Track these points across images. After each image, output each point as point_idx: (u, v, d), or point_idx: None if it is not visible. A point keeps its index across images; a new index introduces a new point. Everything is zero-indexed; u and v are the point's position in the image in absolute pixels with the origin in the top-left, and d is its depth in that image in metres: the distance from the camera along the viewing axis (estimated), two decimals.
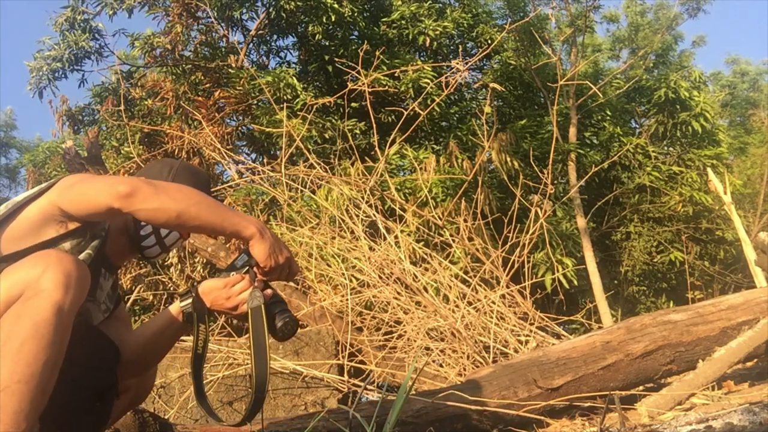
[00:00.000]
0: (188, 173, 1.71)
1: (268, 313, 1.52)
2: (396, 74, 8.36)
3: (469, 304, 3.60)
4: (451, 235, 4.30)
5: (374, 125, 4.82)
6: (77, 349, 1.26)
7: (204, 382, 1.71)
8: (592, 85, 6.12)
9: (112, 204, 1.36)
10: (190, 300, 1.57)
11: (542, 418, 2.20)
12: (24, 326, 1.16)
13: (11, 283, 1.21)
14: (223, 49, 9.30)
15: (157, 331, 1.62)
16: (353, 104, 6.71)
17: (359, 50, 5.02)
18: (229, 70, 8.68)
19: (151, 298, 5.61)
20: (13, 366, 1.13)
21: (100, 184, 1.39)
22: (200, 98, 8.06)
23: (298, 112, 7.11)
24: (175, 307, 1.60)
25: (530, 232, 4.12)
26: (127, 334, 1.65)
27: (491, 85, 6.87)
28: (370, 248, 3.92)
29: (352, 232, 4.07)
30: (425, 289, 3.72)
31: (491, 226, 4.75)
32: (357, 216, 4.11)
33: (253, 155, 9.21)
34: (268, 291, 1.56)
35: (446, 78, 4.99)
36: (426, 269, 3.91)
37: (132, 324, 1.77)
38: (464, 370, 3.20)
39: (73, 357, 1.25)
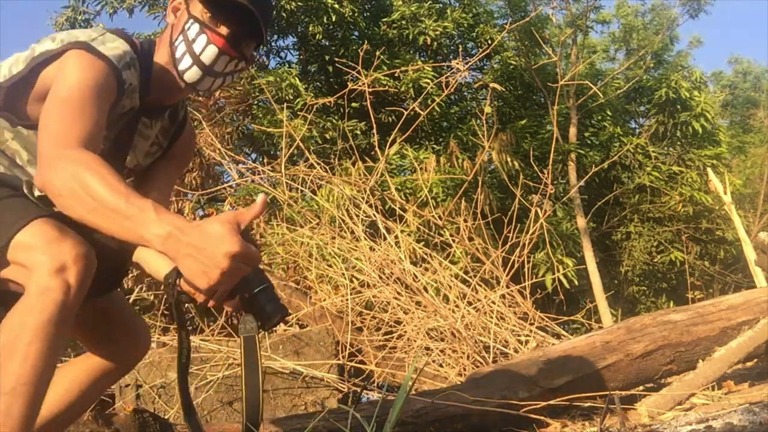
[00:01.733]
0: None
1: (256, 302, 1.29)
2: (396, 74, 8.37)
3: (469, 304, 3.60)
4: (451, 235, 4.30)
5: (374, 125, 4.82)
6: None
7: (192, 394, 1.64)
8: (592, 85, 6.12)
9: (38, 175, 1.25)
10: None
11: (542, 418, 2.20)
12: (30, 326, 1.13)
13: (25, 257, 1.19)
14: None
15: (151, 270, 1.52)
16: (353, 104, 6.71)
17: (359, 50, 5.02)
18: None
19: (152, 298, 5.61)
20: (19, 368, 1.11)
21: (50, 140, 1.23)
22: (200, 98, 8.07)
23: (299, 112, 7.11)
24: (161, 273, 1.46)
25: (530, 232, 4.12)
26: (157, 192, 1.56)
27: (491, 85, 6.88)
28: (371, 248, 3.92)
29: (353, 232, 4.07)
30: (425, 289, 3.72)
31: (491, 226, 4.75)
32: (357, 216, 4.11)
33: (254, 155, 9.22)
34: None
35: (446, 78, 4.99)
36: (426, 269, 3.92)
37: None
38: (464, 370, 3.20)
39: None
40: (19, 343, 1.12)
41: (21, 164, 1.42)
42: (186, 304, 1.34)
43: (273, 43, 10.47)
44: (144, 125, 1.51)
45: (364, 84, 4.64)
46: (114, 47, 1.36)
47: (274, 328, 1.34)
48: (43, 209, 1.28)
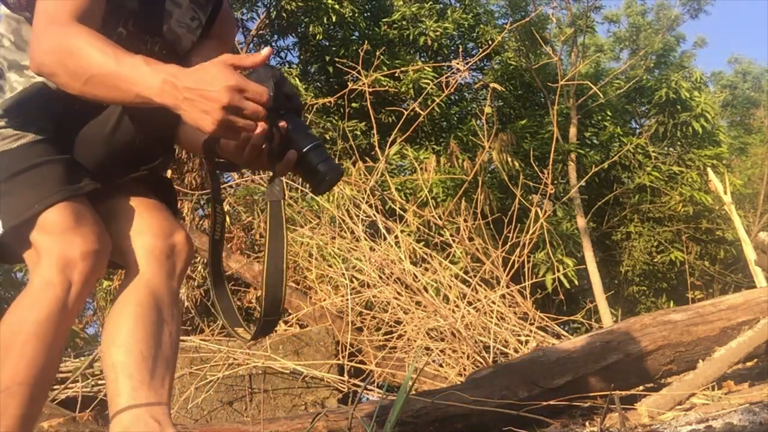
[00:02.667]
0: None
1: (307, 163, 1.16)
2: (396, 74, 8.36)
3: (469, 304, 3.60)
4: (451, 235, 4.30)
5: (375, 125, 4.82)
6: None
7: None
8: (592, 85, 6.12)
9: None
10: None
11: (542, 418, 2.20)
12: (27, 322, 1.12)
13: (39, 240, 1.17)
14: None
15: (190, 141, 1.41)
16: (354, 104, 6.71)
17: (360, 50, 5.02)
18: None
19: None
20: (15, 366, 1.09)
21: (41, 19, 1.18)
22: None
23: None
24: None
25: (530, 232, 4.12)
26: None
27: (492, 85, 6.88)
28: (371, 248, 3.92)
29: (353, 232, 4.07)
30: (425, 289, 3.72)
31: (491, 226, 4.75)
32: (357, 216, 4.11)
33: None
34: (283, 124, 1.14)
35: (446, 78, 4.99)
36: (426, 269, 3.91)
37: None
38: (464, 370, 3.20)
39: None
40: (16, 341, 1.11)
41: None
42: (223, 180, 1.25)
43: (273, 43, 10.48)
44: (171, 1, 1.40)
45: (364, 84, 4.64)
46: None
47: (326, 188, 1.20)
48: (73, 187, 1.23)
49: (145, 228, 1.35)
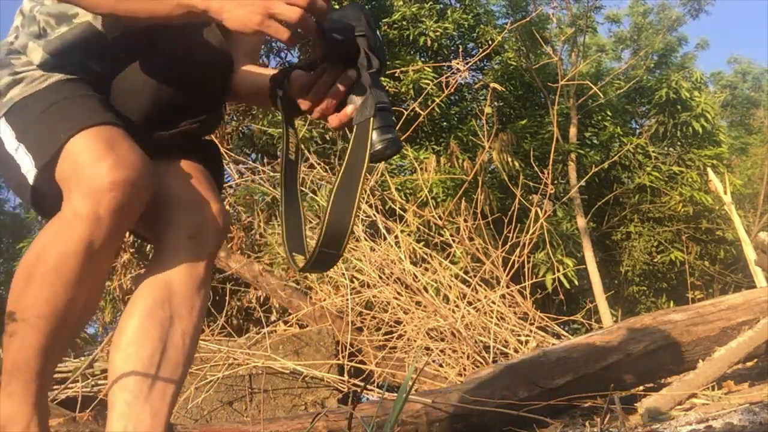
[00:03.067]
0: None
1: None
2: (396, 75, 8.36)
3: (469, 304, 3.60)
4: (451, 235, 4.30)
5: None
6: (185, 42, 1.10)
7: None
8: (592, 85, 6.13)
9: None
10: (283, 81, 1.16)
11: (542, 418, 2.20)
12: (52, 254, 1.01)
13: (70, 168, 1.05)
14: None
15: (253, 84, 1.31)
16: None
17: None
18: None
19: None
20: (35, 297, 1.01)
21: None
22: None
23: None
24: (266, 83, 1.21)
25: (530, 232, 4.12)
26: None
27: (492, 85, 6.88)
28: (371, 248, 3.92)
29: (353, 232, 4.06)
30: (425, 289, 3.72)
31: (491, 226, 4.75)
32: (357, 216, 4.10)
33: (254, 155, 9.21)
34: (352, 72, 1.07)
35: (446, 78, 4.99)
36: (426, 269, 3.91)
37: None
38: (464, 370, 3.20)
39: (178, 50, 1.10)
40: (37, 270, 1.02)
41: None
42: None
43: (273, 43, 10.47)
44: None
45: None
46: None
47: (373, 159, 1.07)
48: (108, 116, 1.12)
49: (172, 198, 1.21)
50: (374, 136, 1.04)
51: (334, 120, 1.10)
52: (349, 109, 1.07)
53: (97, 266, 1.04)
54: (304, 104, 1.11)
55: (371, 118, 1.04)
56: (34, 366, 1.03)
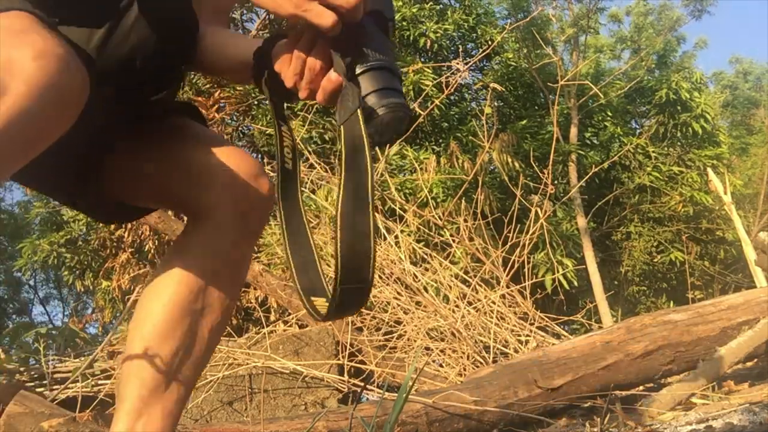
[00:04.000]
0: None
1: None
2: None
3: (469, 304, 3.60)
4: (451, 235, 4.30)
5: None
6: None
7: (312, 249, 0.99)
8: (593, 86, 6.13)
9: None
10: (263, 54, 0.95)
11: (542, 418, 2.20)
12: None
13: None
14: None
15: (227, 57, 1.07)
16: None
17: None
18: None
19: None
20: None
21: None
22: (200, 98, 8.07)
23: (299, 112, 7.11)
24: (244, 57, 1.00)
25: (530, 232, 4.12)
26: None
27: (492, 85, 6.88)
28: None
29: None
30: (425, 289, 3.72)
31: (491, 226, 4.75)
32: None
33: (253, 155, 9.22)
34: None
35: (446, 78, 4.99)
36: (426, 269, 3.92)
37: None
38: (464, 370, 3.20)
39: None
40: None
41: None
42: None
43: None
44: None
45: None
46: None
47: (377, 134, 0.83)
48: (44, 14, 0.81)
49: (217, 170, 1.03)
50: (372, 99, 0.83)
51: (320, 93, 0.88)
52: (333, 75, 0.86)
53: (29, 147, 0.75)
54: (288, 78, 0.90)
55: (357, 110, 0.80)
56: None
